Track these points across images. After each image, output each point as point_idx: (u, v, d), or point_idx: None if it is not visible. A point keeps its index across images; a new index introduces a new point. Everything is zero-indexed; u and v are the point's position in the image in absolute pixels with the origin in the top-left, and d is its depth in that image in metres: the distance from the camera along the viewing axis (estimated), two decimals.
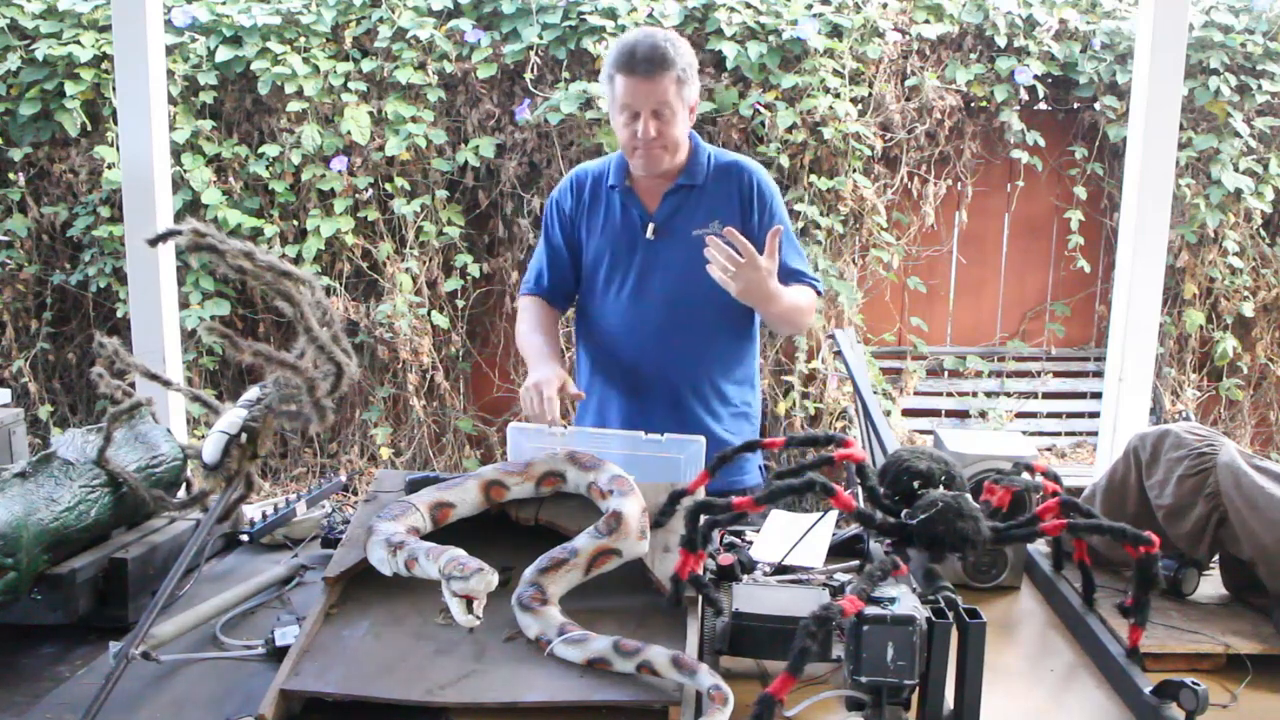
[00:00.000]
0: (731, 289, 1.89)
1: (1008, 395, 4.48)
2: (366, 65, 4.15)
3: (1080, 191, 4.33)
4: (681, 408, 2.08)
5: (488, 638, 1.16)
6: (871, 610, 0.99)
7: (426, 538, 1.24)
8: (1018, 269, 4.53)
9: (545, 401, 1.85)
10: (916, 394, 4.44)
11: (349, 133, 4.07)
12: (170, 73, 3.87)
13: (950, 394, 4.50)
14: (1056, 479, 1.31)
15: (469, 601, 1.07)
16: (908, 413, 4.42)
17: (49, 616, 1.26)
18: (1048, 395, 4.50)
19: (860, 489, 1.23)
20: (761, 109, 4.05)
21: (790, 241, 2.10)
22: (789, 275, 2.05)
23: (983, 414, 4.43)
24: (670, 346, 2.07)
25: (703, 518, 1.14)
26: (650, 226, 2.07)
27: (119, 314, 4.18)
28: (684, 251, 2.03)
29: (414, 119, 4.11)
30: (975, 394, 4.49)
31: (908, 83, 4.22)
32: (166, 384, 1.43)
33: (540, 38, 4.09)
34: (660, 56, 1.94)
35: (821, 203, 4.15)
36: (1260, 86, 4.19)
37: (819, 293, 2.13)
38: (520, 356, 4.36)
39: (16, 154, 4.16)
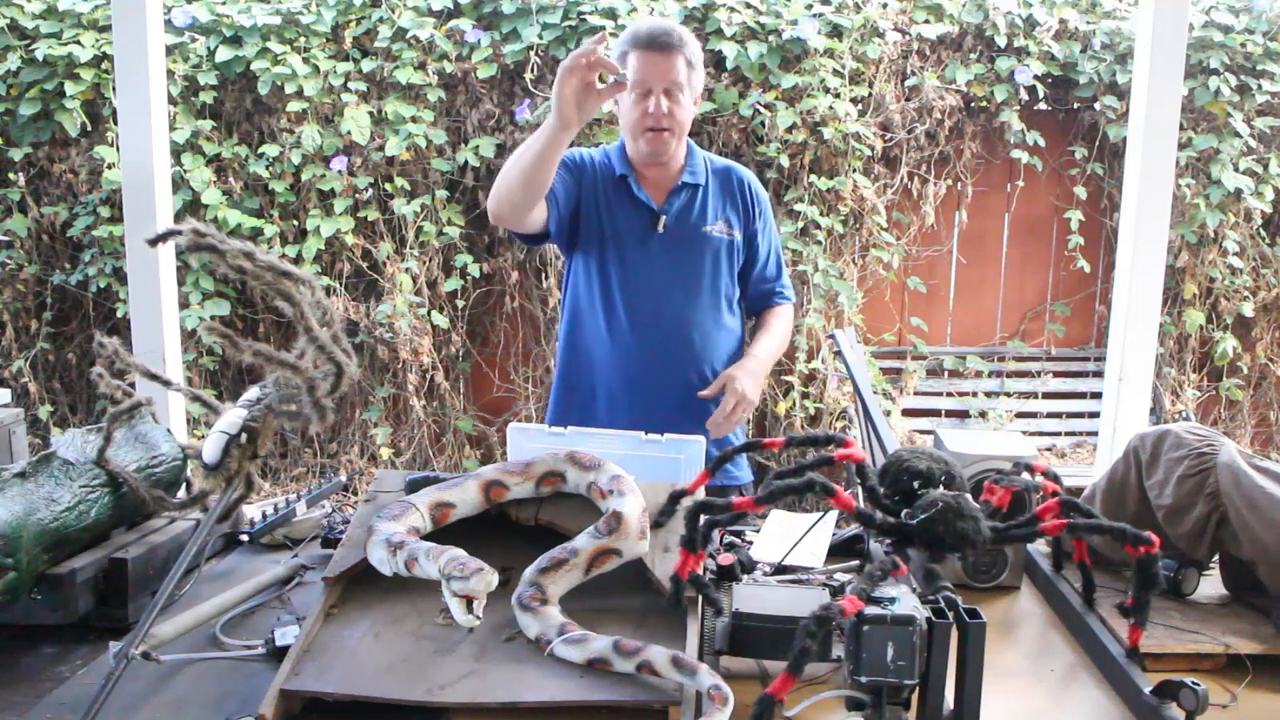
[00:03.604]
0: (748, 410, 2.04)
1: (1008, 395, 4.48)
2: (366, 65, 4.15)
3: (1080, 191, 4.33)
4: (686, 399, 2.09)
5: (488, 638, 1.16)
6: (871, 610, 0.98)
7: (426, 538, 1.24)
8: (1018, 269, 4.53)
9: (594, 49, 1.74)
10: (916, 394, 4.45)
11: (349, 133, 4.07)
12: (170, 73, 3.88)
13: (950, 394, 4.50)
14: (1056, 479, 1.30)
15: (469, 601, 1.06)
16: (908, 413, 4.42)
17: (49, 616, 1.26)
18: (1048, 395, 4.50)
19: (860, 489, 1.23)
20: (761, 109, 4.05)
21: (771, 244, 2.22)
22: (767, 291, 2.21)
23: (983, 414, 4.43)
24: (679, 339, 2.11)
25: (703, 518, 1.14)
26: (661, 220, 2.11)
27: (119, 314, 4.18)
28: (696, 248, 2.12)
29: (414, 119, 4.11)
30: (975, 394, 4.49)
31: (908, 83, 4.22)
32: (166, 384, 1.43)
33: (540, 38, 4.09)
34: (674, 38, 2.03)
35: (821, 203, 4.15)
36: (1260, 86, 4.19)
37: (790, 300, 2.25)
38: (520, 356, 4.41)
39: (16, 154, 4.16)
